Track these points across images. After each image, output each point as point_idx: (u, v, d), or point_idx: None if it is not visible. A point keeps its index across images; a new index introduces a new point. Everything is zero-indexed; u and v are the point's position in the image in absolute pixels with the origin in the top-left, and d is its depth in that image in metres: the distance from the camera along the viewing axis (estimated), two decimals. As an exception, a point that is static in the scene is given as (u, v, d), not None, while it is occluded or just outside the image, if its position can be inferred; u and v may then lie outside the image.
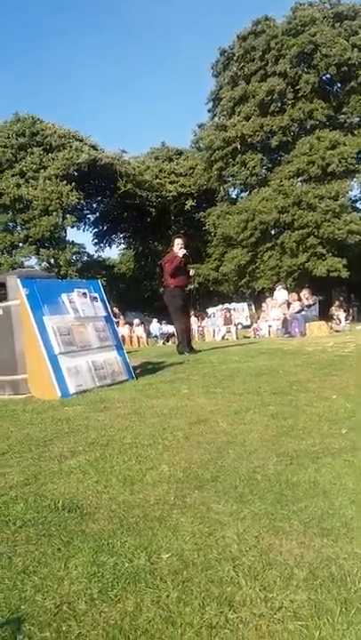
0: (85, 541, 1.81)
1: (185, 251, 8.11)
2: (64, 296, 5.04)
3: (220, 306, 23.53)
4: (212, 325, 19.34)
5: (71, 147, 32.76)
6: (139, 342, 18.37)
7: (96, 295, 5.43)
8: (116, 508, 2.09)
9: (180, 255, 8.00)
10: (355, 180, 31.35)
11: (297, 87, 30.81)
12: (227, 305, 24.40)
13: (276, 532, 1.82)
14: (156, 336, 21.44)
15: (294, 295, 15.17)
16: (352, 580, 1.52)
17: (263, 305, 18.26)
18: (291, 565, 1.61)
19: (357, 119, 31.51)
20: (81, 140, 33.99)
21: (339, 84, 32.11)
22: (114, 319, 5.89)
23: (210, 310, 23.91)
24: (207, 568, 1.61)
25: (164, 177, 38.19)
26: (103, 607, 1.45)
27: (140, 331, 19.59)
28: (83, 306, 5.13)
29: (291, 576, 1.55)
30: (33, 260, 32.62)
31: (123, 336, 15.43)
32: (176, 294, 8.13)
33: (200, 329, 19.31)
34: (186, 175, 38.27)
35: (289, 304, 14.39)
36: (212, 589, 1.50)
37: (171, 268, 8.00)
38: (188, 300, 9.14)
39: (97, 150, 34.24)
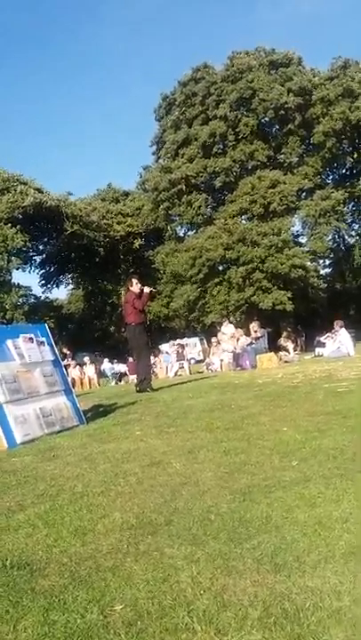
0: (35, 600, 1.74)
1: (150, 288, 8.65)
2: (9, 342, 4.93)
3: (173, 342, 23.59)
4: (165, 362, 19.30)
5: (15, 190, 32.61)
6: (90, 384, 18.04)
7: (43, 339, 5.35)
8: (68, 561, 2.03)
9: (147, 291, 8.49)
10: (296, 216, 32.78)
11: (237, 130, 32.28)
12: (179, 340, 24.51)
13: (230, 571, 1.82)
14: (107, 376, 21.15)
15: (240, 330, 15.49)
16: (305, 614, 1.54)
17: (213, 339, 18.47)
18: (245, 605, 1.61)
19: (296, 159, 33.22)
20: (25, 184, 33.88)
21: (277, 127, 33.91)
22: (65, 360, 5.83)
23: (163, 347, 23.93)
24: (162, 616, 1.58)
25: (112, 217, 38.54)
26: (54, 669, 1.39)
27: (91, 371, 19.26)
28: (29, 351, 5.04)
29: (245, 616, 1.55)
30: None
31: (73, 378, 15.18)
32: (141, 331, 8.39)
33: (153, 366, 19.23)
34: (133, 215, 38.81)
35: (238, 339, 14.65)
36: (167, 638, 1.48)
37: (142, 303, 8.38)
38: None
39: (42, 193, 34.20)
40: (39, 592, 1.80)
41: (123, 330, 29.28)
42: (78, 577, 1.88)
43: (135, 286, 8.46)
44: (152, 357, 19.69)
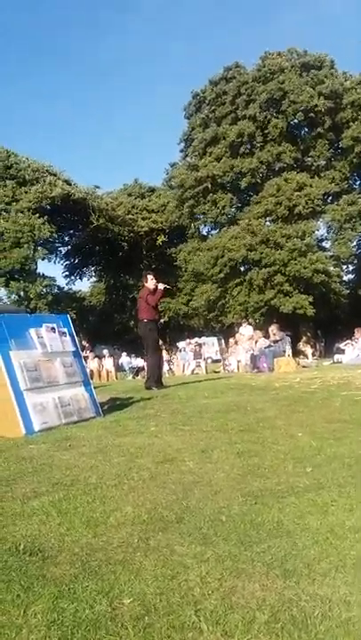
0: (46, 587, 1.77)
1: (164, 284, 8.56)
2: (32, 331, 5.00)
3: (189, 340, 23.60)
4: (182, 360, 19.35)
5: (45, 181, 32.93)
6: (108, 376, 18.19)
7: (65, 330, 5.40)
8: (79, 551, 2.05)
9: (161, 287, 8.43)
10: (321, 220, 32.43)
11: (266, 131, 32.03)
12: (196, 339, 24.51)
13: (239, 574, 1.83)
14: (125, 370, 21.29)
15: (259, 332, 15.43)
16: (313, 622, 1.53)
17: (231, 340, 18.45)
18: (253, 608, 1.61)
19: (324, 162, 32.82)
20: (55, 175, 34.23)
21: (306, 129, 33.56)
22: (83, 352, 5.90)
23: (180, 344, 23.98)
24: (169, 613, 1.60)
25: (137, 213, 38.68)
26: (62, 656, 1.42)
27: (109, 364, 19.43)
28: (51, 341, 5.09)
29: (252, 619, 1.55)
30: (2, 292, 32.24)
31: (92, 370, 15.32)
32: (152, 328, 8.42)
33: (170, 363, 19.30)
34: (158, 212, 38.88)
35: (256, 341, 14.60)
36: (174, 635, 1.49)
37: (155, 299, 8.37)
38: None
39: (70, 185, 34.50)
40: (50, 579, 1.82)
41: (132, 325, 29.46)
42: (89, 567, 1.90)
43: (150, 282, 8.44)
44: (168, 355, 19.83)
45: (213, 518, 2.33)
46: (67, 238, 40.14)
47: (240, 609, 1.61)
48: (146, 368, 10.51)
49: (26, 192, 32.39)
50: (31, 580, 1.82)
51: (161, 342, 15.07)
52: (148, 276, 8.61)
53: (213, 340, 30.32)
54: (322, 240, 33.84)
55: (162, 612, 1.60)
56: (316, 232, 32.36)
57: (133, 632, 1.50)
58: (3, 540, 2.17)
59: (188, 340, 23.47)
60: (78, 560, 1.97)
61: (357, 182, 35.30)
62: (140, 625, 1.53)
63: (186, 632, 1.50)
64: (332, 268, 30.99)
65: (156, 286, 8.39)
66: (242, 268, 32.02)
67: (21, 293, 31.50)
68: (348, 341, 15.55)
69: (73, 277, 41.57)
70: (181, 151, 37.39)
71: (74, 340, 5.54)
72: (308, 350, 18.67)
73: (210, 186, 33.28)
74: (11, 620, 1.58)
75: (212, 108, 34.19)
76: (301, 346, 19.36)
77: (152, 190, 41.31)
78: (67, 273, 41.04)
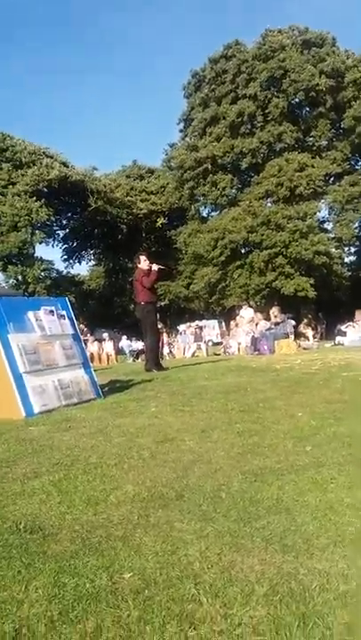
0: (47, 563, 1.79)
1: (158, 265, 8.38)
2: (30, 314, 4.99)
3: (190, 323, 23.60)
4: (183, 342, 19.37)
5: (41, 163, 32.60)
6: (108, 360, 18.24)
7: (64, 313, 5.40)
8: (79, 528, 2.07)
9: (155, 268, 8.23)
10: (323, 201, 32.16)
11: (267, 110, 31.55)
12: (197, 322, 24.50)
13: (239, 549, 1.84)
14: (125, 353, 21.34)
15: (260, 315, 15.42)
16: (310, 595, 1.55)
17: (232, 322, 18.45)
18: (252, 582, 1.63)
19: (325, 142, 32.40)
20: (51, 157, 33.88)
21: (307, 109, 33.02)
22: (82, 336, 5.91)
23: (180, 327, 24.00)
24: (169, 586, 1.61)
25: (136, 195, 38.38)
26: (63, 629, 1.43)
27: (109, 347, 19.46)
28: (50, 324, 5.09)
29: (251, 592, 1.57)
30: (0, 277, 32.18)
31: (92, 354, 15.35)
32: (150, 310, 8.31)
33: (171, 346, 19.34)
34: (157, 193, 38.56)
35: (257, 323, 14.60)
36: (173, 607, 1.50)
37: (150, 281, 8.18)
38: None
39: (67, 167, 34.16)
40: (51, 556, 1.84)
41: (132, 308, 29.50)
42: (89, 544, 1.92)
43: (143, 263, 8.25)
44: (168, 338, 19.85)
45: (213, 495, 2.35)
46: (65, 221, 39.88)
47: (239, 582, 1.62)
48: (145, 351, 10.49)
49: (22, 175, 32.08)
50: (32, 556, 1.84)
51: (161, 325, 15.09)
52: (141, 257, 8.39)
53: (214, 322, 30.31)
54: (323, 221, 33.57)
55: (162, 586, 1.62)
56: (318, 213, 32.10)
57: (133, 604, 1.52)
58: (3, 519, 2.19)
59: (188, 323, 23.47)
60: (79, 537, 1.99)
61: (359, 163, 34.86)
62: (141, 598, 1.55)
63: (185, 604, 1.51)
64: (333, 250, 30.82)
65: (150, 267, 8.21)
66: (243, 250, 31.87)
67: (19, 277, 31.42)
68: (349, 323, 15.53)
69: (72, 261, 41.42)
70: (181, 131, 36.88)
71: (73, 323, 5.54)
72: (310, 332, 18.65)
73: (210, 166, 32.92)
74: (12, 595, 1.60)
75: (212, 87, 33.62)
76: (302, 328, 19.33)
77: (151, 172, 40.90)
78: (65, 257, 40.89)
